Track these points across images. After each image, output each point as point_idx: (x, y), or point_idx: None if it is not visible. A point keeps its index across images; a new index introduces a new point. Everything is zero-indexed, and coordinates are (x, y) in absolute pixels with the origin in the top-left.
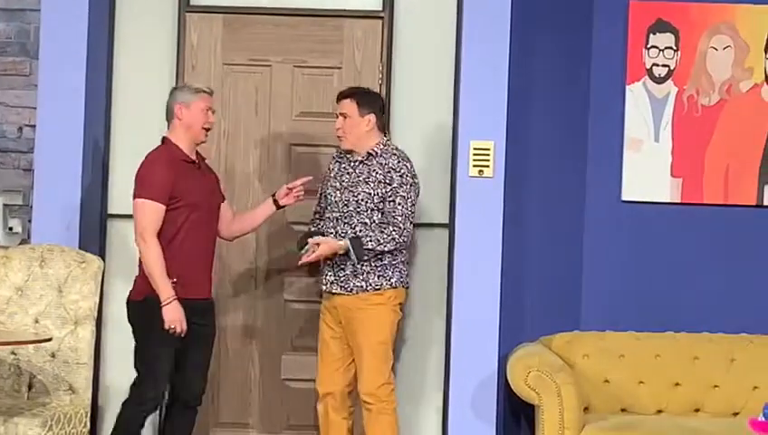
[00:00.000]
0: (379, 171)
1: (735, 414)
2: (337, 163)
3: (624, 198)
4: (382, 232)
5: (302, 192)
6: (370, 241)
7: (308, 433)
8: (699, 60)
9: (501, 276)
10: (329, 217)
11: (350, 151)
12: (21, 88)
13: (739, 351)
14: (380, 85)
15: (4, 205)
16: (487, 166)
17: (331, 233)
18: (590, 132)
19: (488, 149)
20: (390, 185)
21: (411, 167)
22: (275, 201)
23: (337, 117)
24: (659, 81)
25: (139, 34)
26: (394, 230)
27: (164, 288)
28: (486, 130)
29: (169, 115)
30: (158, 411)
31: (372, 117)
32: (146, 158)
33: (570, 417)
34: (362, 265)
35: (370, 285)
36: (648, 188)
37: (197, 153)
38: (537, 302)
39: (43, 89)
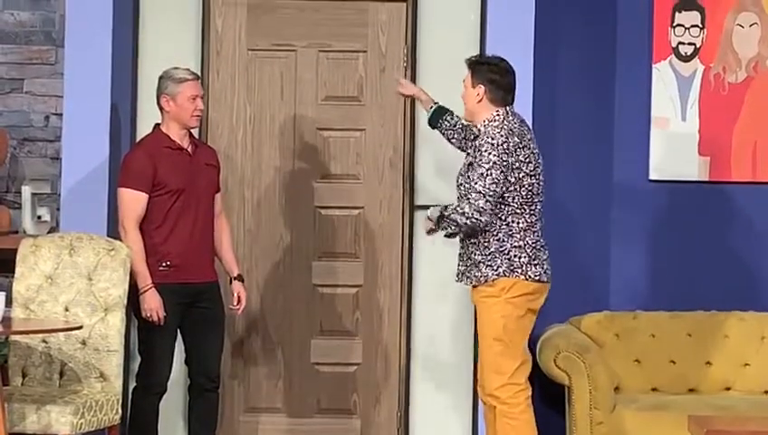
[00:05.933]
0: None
1: (767, 392)
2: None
3: (651, 177)
4: (459, 204)
5: (233, 311)
6: (447, 208)
7: (338, 417)
8: (725, 37)
9: None
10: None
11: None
12: (47, 77)
13: None
14: (405, 68)
15: (33, 194)
16: None
17: None
18: (616, 112)
19: None
20: (480, 160)
21: (503, 142)
22: (232, 278)
23: None
24: (686, 59)
25: (164, 21)
26: (465, 204)
27: (142, 276)
28: None
29: (158, 104)
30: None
31: (482, 88)
32: (132, 147)
33: (600, 397)
34: (474, 254)
35: (483, 274)
36: (675, 167)
37: (193, 139)
38: (566, 282)
39: (69, 77)
